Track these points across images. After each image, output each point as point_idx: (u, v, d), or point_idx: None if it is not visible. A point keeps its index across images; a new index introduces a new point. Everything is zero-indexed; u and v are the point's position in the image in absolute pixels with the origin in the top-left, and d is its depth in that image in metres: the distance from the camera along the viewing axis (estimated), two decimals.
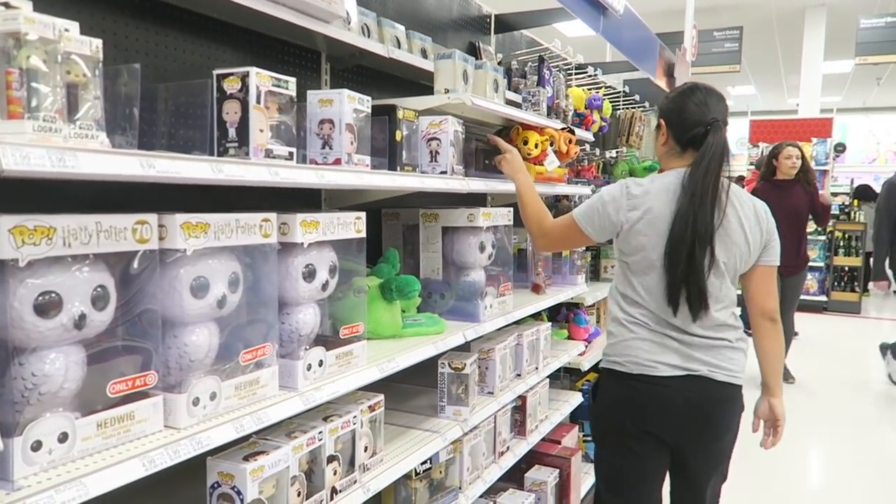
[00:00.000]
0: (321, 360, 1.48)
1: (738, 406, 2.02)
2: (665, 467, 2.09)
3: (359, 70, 2.36)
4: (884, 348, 6.17)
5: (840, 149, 11.57)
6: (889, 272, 5.63)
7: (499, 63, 3.24)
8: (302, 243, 1.43)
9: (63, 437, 1.00)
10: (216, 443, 1.17)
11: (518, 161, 2.36)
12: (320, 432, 1.48)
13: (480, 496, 2.29)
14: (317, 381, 1.47)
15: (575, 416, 3.30)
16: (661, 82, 5.26)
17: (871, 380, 6.23)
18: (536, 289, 2.87)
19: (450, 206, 2.27)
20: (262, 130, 1.32)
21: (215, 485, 1.29)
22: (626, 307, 2.01)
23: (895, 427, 4.91)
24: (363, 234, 1.61)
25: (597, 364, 3.43)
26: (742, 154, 11.28)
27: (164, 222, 1.15)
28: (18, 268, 0.95)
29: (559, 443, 2.99)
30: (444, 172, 2.04)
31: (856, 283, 9.46)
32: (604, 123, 3.91)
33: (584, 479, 3.12)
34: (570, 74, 3.91)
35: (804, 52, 11.38)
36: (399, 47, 2.35)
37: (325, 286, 1.51)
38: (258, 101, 1.31)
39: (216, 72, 1.32)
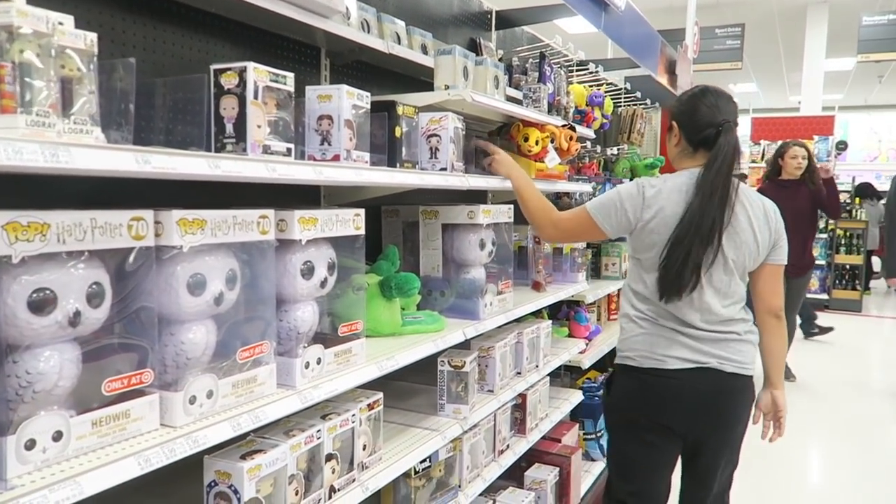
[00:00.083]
0: (319, 358, 1.47)
1: (749, 396, 2.07)
2: (676, 456, 2.13)
3: (359, 66, 2.35)
4: None
5: (842, 147, 11.56)
6: None
7: (499, 59, 3.22)
8: (300, 240, 1.42)
9: (57, 436, 0.99)
10: (213, 441, 1.16)
11: (508, 159, 2.35)
12: (318, 431, 1.47)
13: (480, 494, 2.28)
14: (315, 379, 1.46)
15: (575, 415, 3.29)
16: (663, 79, 5.23)
17: (872, 378, 6.23)
18: (537, 286, 2.86)
19: (450, 203, 2.25)
20: (259, 126, 1.31)
21: (212, 483, 1.28)
22: (636, 303, 2.06)
23: None
24: (362, 231, 1.60)
25: (597, 362, 3.43)
26: (743, 152, 11.25)
27: (160, 219, 1.14)
28: (12, 264, 0.94)
29: (559, 441, 2.98)
30: (444, 169, 2.02)
31: (857, 282, 9.44)
32: (605, 120, 3.89)
33: (585, 477, 3.12)
34: (572, 71, 3.89)
35: (806, 49, 11.35)
36: (399, 43, 2.33)
37: (323, 283, 1.50)
38: (256, 97, 1.30)
39: (213, 67, 1.31)
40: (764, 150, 9.58)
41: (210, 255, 1.24)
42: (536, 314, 2.94)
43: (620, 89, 4.79)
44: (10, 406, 0.96)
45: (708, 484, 2.14)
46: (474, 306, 2.18)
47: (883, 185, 13.69)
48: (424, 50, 2.50)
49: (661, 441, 2.06)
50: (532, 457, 2.80)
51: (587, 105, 3.67)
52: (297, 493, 1.40)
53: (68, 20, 0.99)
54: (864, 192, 10.78)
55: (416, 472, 1.93)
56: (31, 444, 0.96)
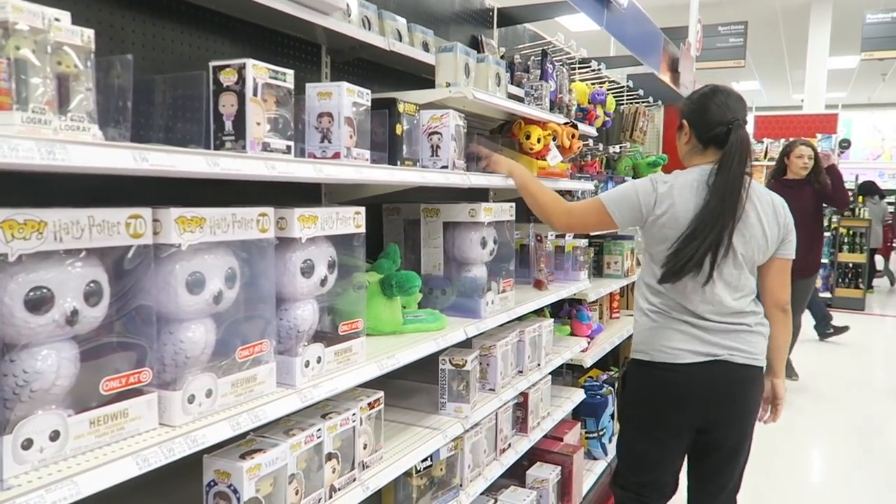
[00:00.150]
0: (319, 357, 1.46)
1: (759, 386, 2.13)
2: (686, 450, 2.19)
3: (359, 63, 2.34)
4: None
5: (845, 145, 11.52)
6: None
7: (501, 57, 3.20)
8: (300, 238, 1.41)
9: (55, 436, 0.98)
10: (212, 441, 1.16)
11: (504, 158, 2.35)
12: (319, 430, 1.46)
13: (482, 493, 2.27)
14: (315, 378, 1.45)
15: (577, 413, 3.28)
16: (666, 77, 5.22)
17: (875, 377, 6.21)
18: (539, 285, 2.85)
19: (451, 201, 2.24)
20: (259, 123, 1.30)
21: (211, 483, 1.27)
22: (649, 296, 2.13)
23: None
24: (363, 229, 1.59)
25: (599, 360, 3.42)
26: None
27: (158, 217, 1.13)
28: (8, 263, 0.93)
29: (561, 440, 2.97)
30: (446, 167, 2.01)
31: (860, 280, 9.42)
32: (607, 118, 3.88)
33: (587, 476, 3.11)
34: (574, 69, 3.88)
35: (809, 47, 11.32)
36: (400, 40, 2.32)
37: (323, 282, 1.49)
38: (255, 94, 1.29)
39: (212, 63, 1.30)
40: (767, 148, 9.56)
41: (209, 254, 1.23)
42: (538, 312, 2.93)
43: (623, 87, 4.77)
44: (7, 405, 0.96)
45: (721, 481, 2.17)
46: (476, 305, 2.17)
47: (886, 184, 13.67)
48: (426, 47, 2.49)
49: (674, 437, 2.13)
50: (534, 455, 2.79)
51: (589, 103, 3.65)
52: (297, 493, 1.39)
53: (65, 16, 0.98)
54: (868, 190, 10.74)
55: (417, 472, 1.92)
56: (27, 444, 0.95)
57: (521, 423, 2.57)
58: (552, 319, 2.84)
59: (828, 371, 6.15)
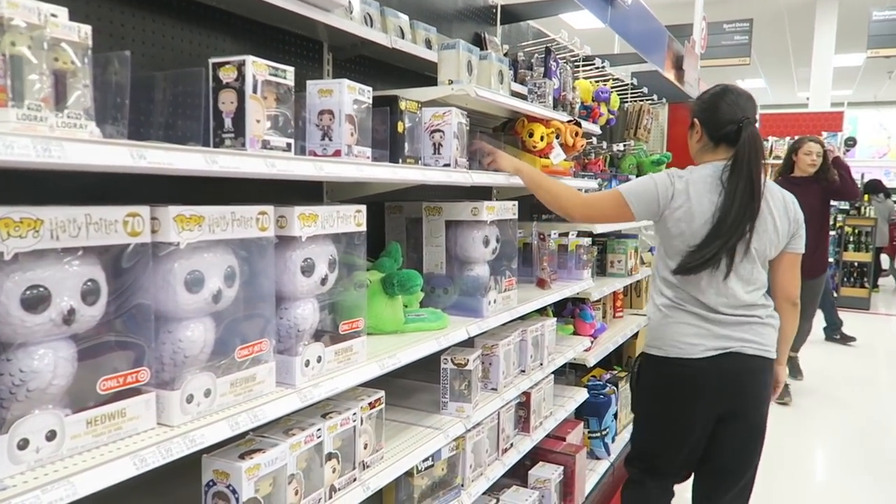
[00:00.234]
0: (320, 357, 1.45)
1: (769, 377, 2.19)
2: (699, 438, 2.21)
3: (361, 61, 2.33)
4: None
5: (851, 143, 11.46)
6: None
7: (504, 54, 3.19)
8: (300, 237, 1.40)
9: (51, 435, 0.97)
10: (210, 441, 1.15)
11: (509, 157, 2.34)
12: (319, 430, 1.45)
13: (483, 493, 2.26)
14: (315, 377, 1.44)
15: (580, 413, 3.26)
16: (670, 75, 5.19)
17: (880, 377, 6.18)
18: (541, 284, 2.83)
19: (454, 199, 2.23)
20: (258, 121, 1.29)
21: (210, 483, 1.26)
22: (663, 289, 2.19)
23: None
24: (363, 228, 1.58)
25: (602, 360, 3.40)
26: None
27: (156, 215, 1.12)
28: (4, 261, 0.93)
29: (564, 439, 2.95)
30: (448, 165, 2.00)
31: (865, 279, 9.37)
32: (611, 116, 3.86)
33: (589, 475, 3.09)
34: (578, 66, 3.86)
35: (815, 44, 11.27)
36: (403, 37, 2.31)
37: (324, 281, 1.48)
38: (255, 91, 1.28)
39: (212, 60, 1.29)
40: (772, 146, 9.50)
41: (208, 252, 1.22)
42: (541, 311, 2.92)
43: (627, 85, 4.75)
44: (3, 405, 0.95)
45: (734, 476, 2.22)
46: (478, 304, 2.16)
47: (892, 182, 13.59)
48: (428, 45, 2.48)
49: (687, 428, 2.19)
50: (536, 455, 2.78)
51: (593, 101, 3.64)
52: (296, 493, 1.38)
53: (62, 12, 0.97)
54: (873, 188, 10.68)
55: (418, 471, 1.91)
56: (23, 444, 0.94)
57: (523, 423, 2.56)
58: (555, 318, 2.83)
59: (833, 371, 6.12)
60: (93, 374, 1.06)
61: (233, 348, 1.26)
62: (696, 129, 2.20)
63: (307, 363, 1.42)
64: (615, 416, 3.47)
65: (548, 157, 2.60)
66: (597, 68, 3.99)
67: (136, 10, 1.57)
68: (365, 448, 1.63)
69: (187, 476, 1.44)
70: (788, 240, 2.16)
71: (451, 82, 2.11)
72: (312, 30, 2.00)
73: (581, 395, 3.09)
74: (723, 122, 2.10)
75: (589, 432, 3.29)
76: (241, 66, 1.27)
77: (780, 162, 5.26)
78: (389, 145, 1.79)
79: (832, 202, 5.15)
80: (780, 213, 2.12)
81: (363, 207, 1.58)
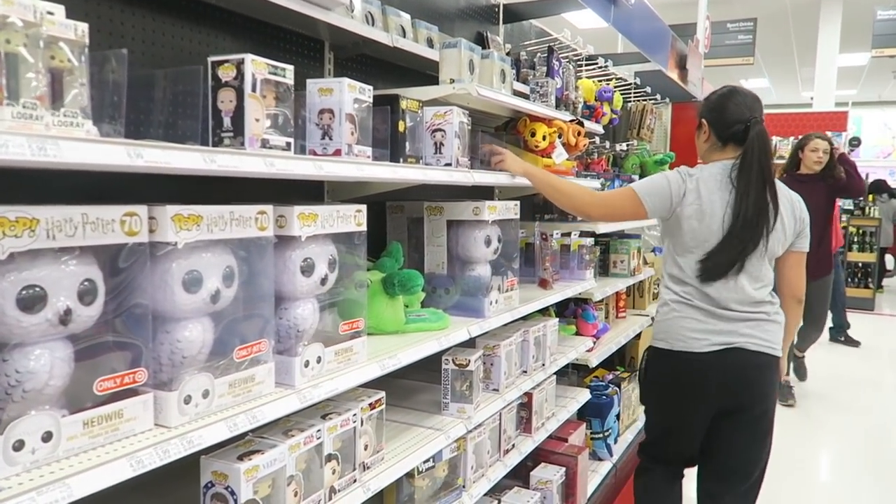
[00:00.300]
0: (319, 357, 1.45)
1: (773, 373, 2.21)
2: (705, 429, 2.28)
3: (363, 60, 2.32)
4: None
5: (855, 143, 11.40)
6: None
7: (507, 54, 3.18)
8: (299, 236, 1.39)
9: (47, 437, 0.96)
10: (208, 442, 1.14)
11: (518, 159, 2.33)
12: (318, 431, 1.45)
13: (485, 494, 2.25)
14: (315, 378, 1.43)
15: (582, 413, 3.25)
16: (673, 74, 5.17)
17: (885, 378, 6.15)
18: (543, 284, 2.82)
19: (457, 199, 2.22)
20: (258, 120, 1.28)
21: (209, 484, 1.26)
22: (672, 285, 2.25)
23: None
24: (363, 228, 1.57)
25: (605, 360, 3.39)
26: None
27: (154, 214, 1.11)
28: (0, 261, 0.92)
29: (566, 440, 2.94)
30: (449, 164, 1.99)
31: (869, 280, 9.33)
32: (614, 116, 3.85)
33: (592, 477, 3.08)
34: (581, 66, 3.85)
35: (819, 44, 11.23)
36: (404, 36, 2.30)
37: (324, 281, 1.47)
38: (254, 90, 1.27)
39: (211, 59, 1.28)
40: (776, 146, 9.47)
41: (207, 252, 1.21)
42: (543, 312, 2.91)
43: (630, 84, 4.73)
44: None
45: (738, 478, 2.25)
46: (479, 304, 2.15)
47: None
48: (430, 44, 2.47)
49: (693, 419, 2.26)
50: (538, 456, 2.76)
51: (596, 100, 3.62)
52: (296, 495, 1.37)
53: (59, 10, 0.97)
54: (878, 188, 10.64)
55: (419, 472, 1.90)
56: (19, 445, 0.93)
57: (525, 424, 2.55)
58: (557, 319, 2.82)
59: (837, 372, 6.10)
60: (90, 375, 1.05)
61: (231, 349, 1.26)
62: (703, 129, 2.26)
63: (307, 364, 1.41)
64: (618, 417, 3.45)
65: (550, 157, 2.59)
66: (600, 68, 3.97)
67: (135, 9, 1.56)
68: (365, 449, 1.62)
69: (187, 477, 1.43)
70: (794, 238, 2.22)
71: (452, 81, 2.10)
72: (313, 28, 1.99)
73: (583, 395, 3.08)
74: (730, 122, 2.16)
75: (591, 433, 3.27)
76: (240, 65, 1.26)
77: (784, 161, 5.19)
78: (390, 144, 1.78)
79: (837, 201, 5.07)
80: (788, 212, 2.17)
81: (363, 207, 1.57)
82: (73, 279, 1.00)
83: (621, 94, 4.09)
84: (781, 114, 10.59)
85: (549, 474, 2.67)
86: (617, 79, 4.46)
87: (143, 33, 1.59)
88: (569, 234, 3.05)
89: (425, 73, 2.53)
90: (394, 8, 2.32)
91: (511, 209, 2.30)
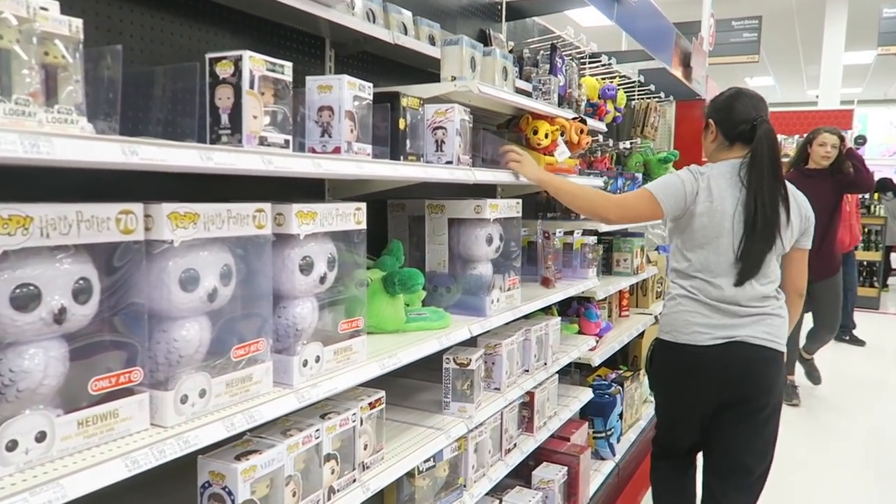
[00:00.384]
0: (318, 356, 1.43)
1: (777, 367, 2.25)
2: (706, 420, 2.35)
3: (364, 57, 2.30)
4: None
5: (861, 141, 11.33)
6: None
7: (510, 51, 3.16)
8: (298, 235, 1.38)
9: (41, 437, 0.95)
10: (204, 442, 1.13)
11: (533, 165, 2.34)
12: (317, 430, 1.44)
13: (486, 494, 2.24)
14: (313, 377, 1.42)
15: (585, 412, 3.23)
16: (677, 72, 5.13)
17: (889, 377, 6.12)
18: (546, 282, 2.81)
19: (459, 197, 2.20)
20: (256, 117, 1.27)
21: (206, 485, 1.25)
22: (679, 280, 2.31)
23: None
24: (363, 226, 1.56)
25: (608, 359, 3.38)
26: None
27: (150, 212, 1.10)
28: None
29: (568, 440, 2.92)
30: (450, 162, 1.98)
31: (875, 279, 9.29)
32: (618, 114, 3.82)
33: (594, 476, 3.07)
34: (584, 63, 3.83)
35: (825, 42, 11.17)
36: (406, 34, 2.28)
37: (323, 279, 1.46)
38: (252, 87, 1.26)
39: (208, 55, 1.27)
40: (781, 144, 9.42)
41: (204, 250, 1.20)
42: (546, 311, 2.89)
43: (634, 82, 4.71)
44: None
45: (743, 472, 2.27)
46: (481, 303, 2.13)
47: None
48: (432, 41, 2.45)
49: (698, 409, 2.33)
50: (540, 455, 2.75)
51: (599, 98, 3.60)
52: (294, 495, 1.36)
53: (53, 5, 0.95)
54: (883, 186, 10.57)
55: (419, 472, 1.89)
56: (12, 445, 0.92)
57: (526, 423, 2.54)
58: (559, 318, 2.80)
59: (842, 371, 6.07)
60: (85, 374, 1.04)
61: (229, 348, 1.25)
62: (710, 129, 2.33)
63: (305, 363, 1.40)
64: (620, 416, 3.44)
65: (552, 155, 2.57)
66: (603, 65, 3.95)
67: (134, 5, 1.55)
68: (365, 449, 1.61)
69: (185, 477, 1.42)
70: (799, 236, 2.28)
71: (454, 79, 2.09)
72: (314, 26, 1.98)
73: (586, 394, 3.06)
74: (738, 121, 2.23)
75: (594, 432, 3.26)
76: (237, 62, 1.25)
77: (790, 158, 5.12)
78: (390, 142, 1.77)
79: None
80: (795, 210, 2.23)
81: (363, 205, 1.56)
82: (68, 278, 1.00)
83: (625, 92, 4.06)
84: (786, 112, 10.53)
85: (551, 474, 2.66)
86: (620, 76, 4.43)
87: (142, 30, 1.58)
88: (571, 233, 3.03)
89: (427, 70, 2.52)
90: (395, 5, 2.31)
91: (513, 207, 2.28)
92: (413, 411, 2.08)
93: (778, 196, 2.17)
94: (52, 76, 0.96)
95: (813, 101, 14.45)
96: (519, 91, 2.59)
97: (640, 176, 4.07)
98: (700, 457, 2.54)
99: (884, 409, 5.13)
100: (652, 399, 4.08)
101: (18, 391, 0.96)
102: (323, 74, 2.11)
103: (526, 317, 2.52)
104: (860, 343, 7.04)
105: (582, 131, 2.78)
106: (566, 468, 2.73)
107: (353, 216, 1.53)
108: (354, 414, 1.56)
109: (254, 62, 1.25)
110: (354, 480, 1.56)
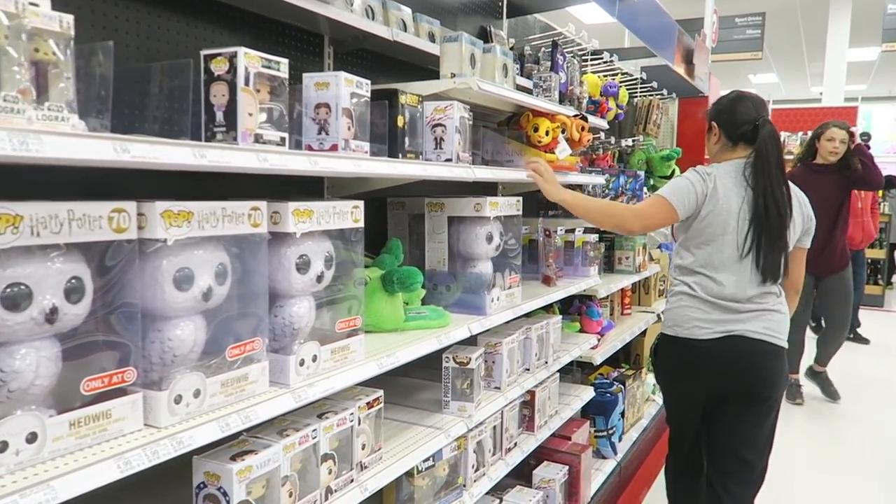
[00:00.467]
0: (315, 356, 1.42)
1: (778, 361, 2.29)
2: (705, 411, 2.42)
3: (363, 54, 2.29)
4: None
5: (865, 138, 11.28)
6: None
7: (511, 48, 3.14)
8: (294, 233, 1.37)
9: (32, 438, 0.94)
10: (199, 443, 1.12)
11: (555, 184, 2.39)
12: (314, 430, 1.42)
13: (486, 493, 2.22)
14: (310, 377, 1.41)
15: (587, 411, 3.22)
16: (680, 69, 5.11)
17: (894, 375, 6.09)
18: (547, 281, 2.79)
19: (460, 195, 2.19)
20: (251, 114, 1.26)
21: (201, 485, 1.24)
22: (682, 277, 2.37)
23: None
24: (361, 224, 1.55)
25: (610, 358, 3.36)
26: None
27: (143, 210, 1.09)
28: None
29: (569, 438, 2.91)
30: (449, 160, 1.96)
31: (879, 276, 9.25)
32: (620, 111, 3.80)
33: (595, 475, 3.05)
34: (586, 60, 3.81)
35: (829, 38, 11.11)
36: (405, 30, 2.27)
37: (320, 278, 1.44)
38: (247, 84, 1.24)
39: (203, 52, 1.26)
40: (784, 141, 9.38)
41: (198, 249, 1.19)
42: (547, 309, 2.88)
43: (636, 79, 4.69)
44: None
45: (746, 466, 2.32)
46: (481, 301, 2.12)
47: None
48: (432, 38, 2.44)
49: (698, 395, 2.39)
50: (541, 454, 2.74)
51: (601, 95, 3.58)
52: (290, 495, 1.35)
53: (44, 1, 0.94)
54: (888, 183, 10.50)
55: (418, 472, 1.88)
56: (3, 447, 0.91)
57: (527, 422, 2.53)
58: (561, 316, 2.79)
59: (846, 370, 6.03)
60: (78, 374, 1.03)
61: (224, 347, 1.23)
62: (714, 131, 2.40)
63: (302, 362, 1.39)
64: (622, 414, 3.42)
65: (553, 152, 2.55)
66: (605, 62, 3.93)
67: (129, 2, 1.54)
68: (363, 448, 1.60)
69: (182, 478, 1.41)
70: (801, 235, 2.34)
71: (453, 76, 2.07)
72: (313, 23, 1.97)
73: (587, 393, 3.05)
74: (740, 122, 2.30)
75: (595, 431, 3.25)
76: (232, 58, 1.23)
77: (793, 157, 5.07)
78: (388, 140, 1.76)
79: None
80: (797, 209, 2.29)
81: (360, 203, 1.54)
82: (60, 277, 0.98)
83: (627, 90, 4.05)
84: (790, 109, 10.48)
85: (552, 473, 2.65)
86: (623, 74, 4.41)
87: (138, 27, 1.56)
88: (573, 231, 3.01)
89: (427, 67, 2.50)
90: (394, 2, 2.29)
91: (513, 205, 2.27)
92: (412, 410, 2.07)
93: (784, 195, 2.22)
94: (42, 73, 0.95)
95: (817, 98, 14.39)
96: (519, 88, 2.57)
97: (641, 174, 4.05)
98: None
99: (888, 407, 5.10)
100: (654, 398, 4.08)
101: (9, 391, 0.95)
102: (322, 72, 2.10)
103: (527, 315, 2.51)
104: (864, 341, 7.00)
105: (583, 128, 2.76)
106: (567, 467, 2.72)
107: (350, 214, 1.51)
108: (352, 413, 1.55)
109: (249, 59, 1.24)
110: (352, 480, 1.55)
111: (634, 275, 3.76)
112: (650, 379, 4.06)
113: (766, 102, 2.30)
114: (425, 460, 1.87)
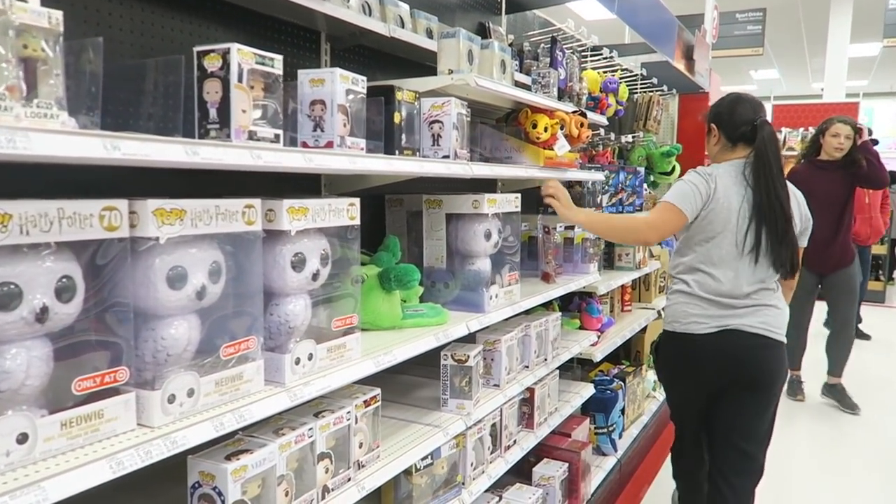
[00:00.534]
0: (311, 354, 1.41)
1: (775, 354, 2.33)
2: (705, 405, 2.48)
3: (360, 51, 2.28)
4: None
5: (873, 142, 11.24)
6: None
7: (510, 45, 3.12)
8: (289, 231, 1.36)
9: (22, 438, 0.94)
10: (192, 442, 1.11)
11: (570, 205, 2.45)
12: (310, 429, 1.42)
13: (486, 491, 2.22)
14: (306, 375, 1.40)
15: (586, 408, 3.21)
16: (680, 65, 5.09)
17: (895, 371, 6.07)
18: (546, 278, 2.78)
19: (459, 192, 2.18)
20: (244, 111, 1.25)
21: (196, 485, 1.23)
22: (682, 274, 2.41)
23: None
24: (357, 221, 1.54)
25: (610, 354, 3.35)
26: None
27: (135, 209, 1.08)
28: None
29: (569, 436, 2.90)
30: (447, 156, 1.95)
31: (881, 272, 9.22)
32: (620, 107, 3.79)
33: (595, 472, 3.05)
34: (585, 57, 3.79)
35: (830, 34, 11.05)
36: (403, 27, 2.25)
37: (315, 276, 1.43)
38: (240, 80, 1.23)
39: (196, 48, 1.24)
40: (785, 137, 9.35)
41: (192, 247, 1.18)
42: (547, 306, 2.87)
43: (636, 75, 4.67)
44: None
45: (746, 457, 2.36)
46: (479, 298, 2.11)
47: None
48: (429, 34, 2.42)
49: (699, 389, 2.44)
50: (541, 452, 2.73)
51: (601, 91, 3.57)
52: (286, 494, 1.35)
53: None
54: (893, 180, 10.47)
55: (417, 470, 1.87)
56: None
57: (526, 419, 2.52)
58: (560, 313, 2.78)
59: (847, 366, 6.01)
60: (70, 374, 1.02)
61: (218, 346, 1.22)
62: (713, 132, 2.46)
63: (297, 361, 1.38)
64: (622, 411, 3.41)
65: (552, 149, 2.54)
66: (605, 58, 3.92)
67: None
68: (360, 447, 1.59)
69: (176, 478, 1.40)
70: (798, 234, 2.36)
71: (450, 72, 2.05)
72: (309, 19, 1.95)
73: (587, 390, 3.04)
74: (740, 123, 2.36)
75: (595, 428, 3.24)
76: (225, 55, 1.22)
77: (795, 154, 5.03)
78: (385, 136, 1.74)
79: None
80: (795, 208, 2.34)
81: (356, 200, 1.53)
82: (50, 276, 0.97)
83: (627, 86, 4.03)
84: (791, 105, 10.45)
85: (552, 470, 2.64)
86: (623, 70, 4.40)
87: (132, 23, 1.55)
88: (572, 228, 3.00)
89: (425, 64, 2.49)
90: None
91: (512, 202, 2.26)
92: (411, 408, 2.06)
93: (785, 192, 2.28)
94: (31, 70, 0.93)
95: (818, 93, 14.35)
96: (518, 84, 2.56)
97: (641, 170, 4.03)
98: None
99: (889, 404, 5.09)
100: (654, 394, 4.08)
101: (0, 392, 0.94)
102: (318, 68, 2.09)
103: (526, 312, 2.50)
104: (866, 337, 6.99)
105: (582, 125, 2.75)
106: (567, 464, 2.71)
107: (346, 212, 1.50)
108: (349, 412, 1.54)
109: (242, 55, 1.23)
110: (349, 479, 1.55)
111: (635, 271, 3.75)
112: (650, 376, 4.05)
113: (766, 100, 2.29)
114: (423, 458, 1.86)
